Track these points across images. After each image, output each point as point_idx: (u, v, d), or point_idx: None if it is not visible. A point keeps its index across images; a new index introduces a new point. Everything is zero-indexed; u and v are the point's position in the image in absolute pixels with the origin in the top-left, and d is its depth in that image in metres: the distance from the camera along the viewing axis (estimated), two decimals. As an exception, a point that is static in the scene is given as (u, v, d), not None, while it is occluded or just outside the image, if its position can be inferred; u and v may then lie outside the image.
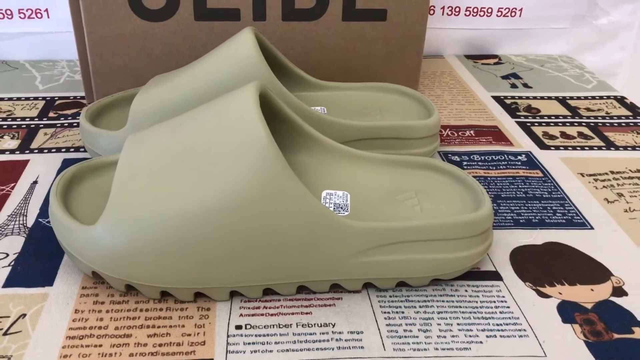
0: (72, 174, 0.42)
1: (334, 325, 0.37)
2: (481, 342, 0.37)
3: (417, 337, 0.37)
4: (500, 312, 0.39)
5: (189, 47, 0.59)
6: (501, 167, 0.55)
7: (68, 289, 0.39)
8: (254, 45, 0.47)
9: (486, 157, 0.56)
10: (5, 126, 0.59)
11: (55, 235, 0.42)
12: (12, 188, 0.49)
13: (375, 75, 0.63)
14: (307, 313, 0.38)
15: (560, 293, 0.41)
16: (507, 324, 0.38)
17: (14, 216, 0.46)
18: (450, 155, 0.56)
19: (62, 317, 0.37)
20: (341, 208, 0.42)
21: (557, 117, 0.64)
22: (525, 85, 0.72)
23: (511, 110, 0.65)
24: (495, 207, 0.49)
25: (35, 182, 0.50)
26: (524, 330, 0.38)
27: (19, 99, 0.64)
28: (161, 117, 0.48)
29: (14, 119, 0.60)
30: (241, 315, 0.38)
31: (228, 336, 0.36)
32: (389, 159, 0.46)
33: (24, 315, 0.37)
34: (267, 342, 0.36)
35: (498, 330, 0.38)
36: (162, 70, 0.60)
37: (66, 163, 0.53)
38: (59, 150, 0.55)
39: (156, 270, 0.37)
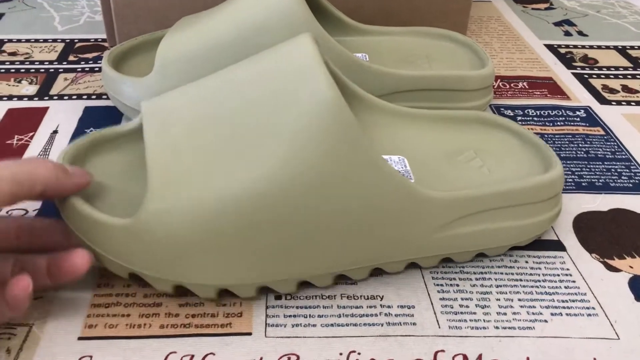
0: (77, 151, 0.35)
1: (381, 298, 0.34)
2: (546, 321, 0.33)
3: (475, 313, 0.33)
4: (565, 287, 0.35)
5: (218, -15, 0.54)
6: (558, 123, 0.50)
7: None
8: (294, -16, 0.43)
9: (542, 112, 0.51)
10: (23, 70, 0.55)
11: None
12: (31, 138, 0.46)
13: (420, 19, 0.57)
14: (352, 283, 0.35)
15: (631, 267, 0.37)
16: (573, 301, 0.34)
17: (33, 169, 0.43)
18: (502, 109, 0.51)
19: (87, 282, 0.34)
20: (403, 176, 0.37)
21: (617, 68, 0.59)
22: (580, 33, 0.66)
23: (566, 60, 0.60)
24: (554, 168, 0.45)
25: (55, 132, 0.47)
26: (593, 308, 0.34)
27: (37, 40, 0.60)
28: (189, 64, 0.44)
29: (32, 62, 0.56)
30: (280, 284, 0.35)
31: (267, 307, 0.33)
32: (439, 115, 0.41)
33: (46, 279, 0.34)
34: (310, 315, 0.33)
35: (564, 307, 0.34)
36: (189, 12, 0.55)
37: (88, 111, 0.49)
38: (80, 97, 0.51)
39: (214, 266, 0.31)
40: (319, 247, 0.32)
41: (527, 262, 0.37)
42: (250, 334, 0.32)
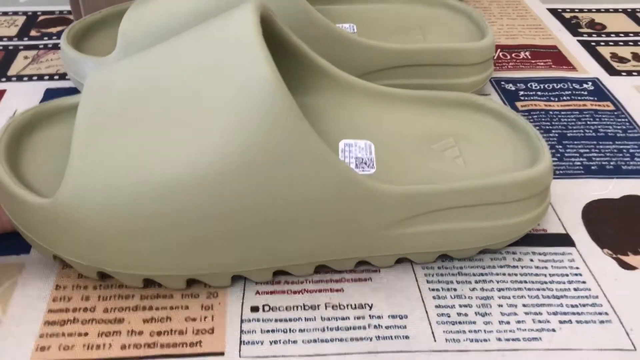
0: (19, 124, 0.34)
1: (371, 307, 0.30)
2: (554, 330, 0.30)
3: (475, 322, 0.30)
4: (575, 290, 0.32)
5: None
6: (564, 97, 0.46)
7: (45, 254, 0.32)
8: (269, -51, 0.38)
9: (546, 86, 0.47)
10: (-21, 48, 0.50)
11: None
12: (-15, 126, 0.42)
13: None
14: (337, 290, 0.31)
15: (647, 263, 0.33)
16: (583, 306, 0.31)
17: (-15, 162, 0.39)
18: (503, 82, 0.47)
19: (40, 295, 0.31)
20: (365, 164, 0.33)
21: (626, 34, 0.54)
22: (587, -5, 0.61)
23: (571, 26, 0.55)
24: (561, 149, 0.41)
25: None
26: (606, 313, 0.31)
27: (-4, 14, 0.55)
28: (155, 40, 0.39)
29: (-10, 39, 0.51)
30: (258, 293, 0.31)
31: (242, 321, 0.30)
32: (421, 96, 0.37)
33: (-6, 292, 0.31)
34: (290, 330, 0.29)
35: (573, 313, 0.30)
36: (159, -20, 0.50)
37: (49, 94, 0.45)
38: (41, 77, 0.47)
39: (135, 252, 0.29)
40: (252, 238, 0.29)
41: (532, 260, 0.33)
42: (222, 353, 0.28)
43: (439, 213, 0.30)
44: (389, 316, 0.30)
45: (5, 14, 0.55)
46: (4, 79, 0.46)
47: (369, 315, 0.30)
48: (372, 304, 0.31)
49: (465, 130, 0.36)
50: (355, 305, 0.31)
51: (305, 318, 0.30)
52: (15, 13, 0.55)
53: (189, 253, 0.29)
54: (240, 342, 0.29)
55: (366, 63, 0.41)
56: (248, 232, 0.29)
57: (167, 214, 0.28)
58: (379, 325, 0.30)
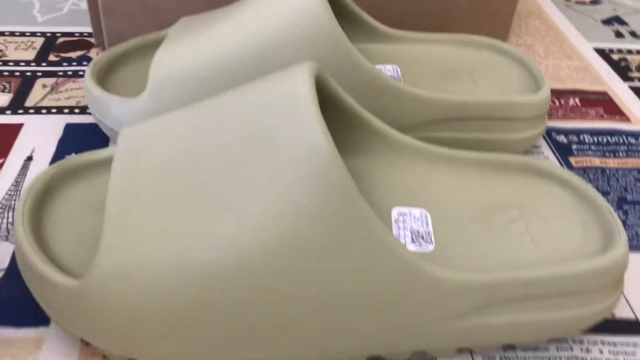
0: (45, 184, 0.31)
1: (428, 405, 0.27)
2: None
3: None
4: (651, 390, 0.29)
5: (223, -22, 0.46)
6: (620, 154, 0.43)
7: (70, 336, 0.29)
8: (319, -8, 0.35)
9: (599, 138, 0.44)
10: (-6, 73, 0.47)
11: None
12: (0, 167, 0.39)
13: (457, 20, 0.49)
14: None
15: None
16: (661, 409, 0.28)
17: (0, 211, 0.36)
18: (554, 133, 0.44)
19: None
20: (422, 238, 0.30)
21: (679, 80, 0.51)
22: (634, 35, 0.58)
23: (621, 69, 0.52)
24: (622, 215, 0.38)
25: (29, 158, 0.39)
26: (687, 420, 0.28)
27: (12, 33, 0.52)
28: (189, 85, 0.36)
29: (6, 63, 0.48)
30: (302, 383, 0.28)
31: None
32: (479, 159, 0.34)
33: (10, 374, 0.28)
34: None
35: (651, 419, 0.28)
36: (188, 7, 0.47)
37: (69, 130, 0.42)
38: (60, 110, 0.43)
39: (173, 344, 0.26)
40: (298, 332, 0.26)
41: (601, 351, 0.30)
42: None
43: (505, 304, 0.27)
44: (448, 417, 0.27)
45: (23, 34, 0.52)
46: (21, 111, 0.43)
47: (427, 416, 0.27)
48: (429, 401, 0.28)
49: (529, 200, 0.33)
50: (410, 402, 0.28)
51: (356, 416, 0.27)
52: (34, 34, 0.52)
53: (230, 347, 0.26)
54: None
55: (414, 114, 0.38)
56: (296, 324, 0.26)
57: (207, 303, 0.25)
58: None
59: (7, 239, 0.34)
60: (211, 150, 0.27)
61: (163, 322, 0.25)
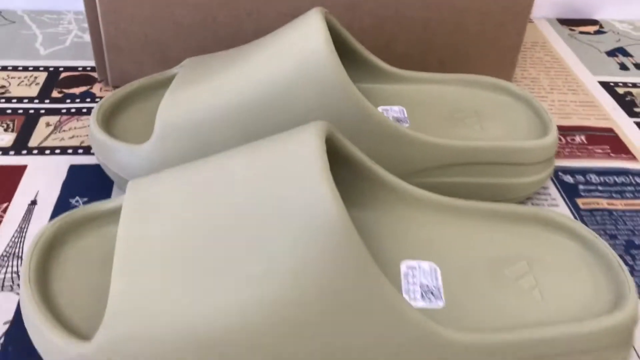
0: (50, 237, 0.30)
1: None
2: None
3: None
4: None
5: (229, 15, 0.46)
6: (627, 194, 0.43)
7: None
8: (326, 40, 0.35)
9: (607, 179, 0.44)
10: (-3, 110, 0.47)
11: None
12: (4, 211, 0.38)
13: (462, 57, 0.49)
14: None
15: None
16: None
17: (5, 259, 0.35)
18: (560, 173, 0.44)
19: None
20: (432, 294, 0.30)
21: (685, 116, 0.51)
22: (638, 67, 0.58)
23: (626, 104, 0.52)
24: (630, 260, 0.38)
25: (33, 203, 0.39)
26: None
27: (15, 68, 0.52)
28: (196, 131, 0.36)
29: (9, 100, 0.48)
30: None
31: None
32: (487, 210, 0.34)
33: None
34: None
35: None
36: (194, 45, 0.47)
37: (73, 172, 0.41)
38: (64, 151, 0.43)
39: None
40: None
41: (613, 409, 0.30)
42: None
43: (518, 363, 0.27)
44: None
45: (26, 69, 0.52)
46: (24, 151, 0.43)
47: None
48: None
49: (538, 253, 0.33)
50: None
51: None
52: (37, 69, 0.52)
53: None
54: None
55: (421, 160, 0.38)
56: None
57: None
58: None
59: (11, 289, 0.33)
60: (220, 211, 0.27)
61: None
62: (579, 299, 0.30)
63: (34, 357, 0.30)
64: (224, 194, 0.27)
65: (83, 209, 0.32)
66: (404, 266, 0.32)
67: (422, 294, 0.30)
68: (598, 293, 0.31)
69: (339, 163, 0.31)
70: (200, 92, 0.37)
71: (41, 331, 0.27)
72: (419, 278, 0.31)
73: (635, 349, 0.33)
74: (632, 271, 0.37)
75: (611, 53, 0.60)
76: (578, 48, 0.60)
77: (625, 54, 0.60)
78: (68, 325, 0.28)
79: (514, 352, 0.27)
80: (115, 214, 0.33)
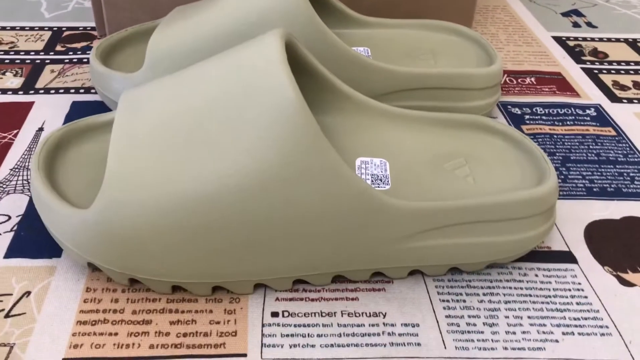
0: (57, 140, 0.36)
1: (384, 316, 0.32)
2: (557, 341, 0.31)
3: (483, 332, 0.32)
4: (577, 304, 0.33)
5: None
6: (568, 122, 0.48)
7: (79, 261, 0.34)
8: (293, -24, 0.40)
9: (551, 110, 0.49)
10: (7, 60, 0.52)
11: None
12: (15, 136, 0.44)
13: (424, 9, 0.55)
14: (353, 299, 0.33)
15: (646, 281, 0.35)
16: (585, 319, 0.33)
17: (17, 170, 0.41)
18: (509, 107, 0.49)
19: (72, 296, 0.32)
20: (380, 180, 0.35)
21: (627, 63, 0.57)
22: (589, 25, 0.63)
23: (575, 54, 0.58)
24: (565, 171, 0.43)
25: (41, 129, 0.44)
26: (606, 327, 0.32)
27: (22, 28, 0.57)
28: (181, 60, 0.41)
29: (17, 52, 0.53)
30: (277, 299, 0.33)
31: (263, 325, 0.31)
32: (433, 118, 0.39)
33: (29, 293, 0.32)
34: (309, 335, 0.31)
35: (575, 326, 0.32)
36: (184, 2, 0.53)
37: (75, 107, 0.47)
38: (67, 91, 0.49)
39: (165, 261, 0.31)
40: (273, 249, 0.31)
41: (536, 275, 0.35)
42: (245, 355, 0.30)
43: (449, 228, 0.32)
44: (401, 324, 0.32)
45: (32, 28, 0.57)
46: (32, 92, 0.48)
47: (383, 323, 0.32)
48: (385, 313, 0.32)
49: (475, 151, 0.38)
50: (369, 313, 0.32)
51: (322, 324, 0.32)
52: (42, 28, 0.57)
53: (214, 263, 0.31)
54: (262, 344, 0.30)
55: (380, 85, 0.43)
56: (270, 244, 0.31)
57: (196, 226, 0.30)
58: (392, 332, 0.31)
59: (22, 192, 0.39)
60: (198, 103, 0.32)
61: (157, 242, 0.30)
62: (508, 183, 0.36)
63: (42, 236, 0.35)
64: (201, 87, 0.32)
65: (85, 120, 0.38)
66: (358, 161, 0.37)
67: (372, 181, 0.36)
68: (524, 178, 0.36)
69: (301, 73, 0.37)
70: (186, 27, 0.42)
71: (48, 205, 0.32)
72: (371, 170, 0.36)
73: (560, 232, 0.38)
74: (566, 179, 0.42)
75: (566, 14, 0.65)
76: (536, 10, 0.66)
77: (579, 14, 0.65)
78: (70, 201, 0.33)
79: (448, 217, 0.32)
80: (112, 124, 0.38)
